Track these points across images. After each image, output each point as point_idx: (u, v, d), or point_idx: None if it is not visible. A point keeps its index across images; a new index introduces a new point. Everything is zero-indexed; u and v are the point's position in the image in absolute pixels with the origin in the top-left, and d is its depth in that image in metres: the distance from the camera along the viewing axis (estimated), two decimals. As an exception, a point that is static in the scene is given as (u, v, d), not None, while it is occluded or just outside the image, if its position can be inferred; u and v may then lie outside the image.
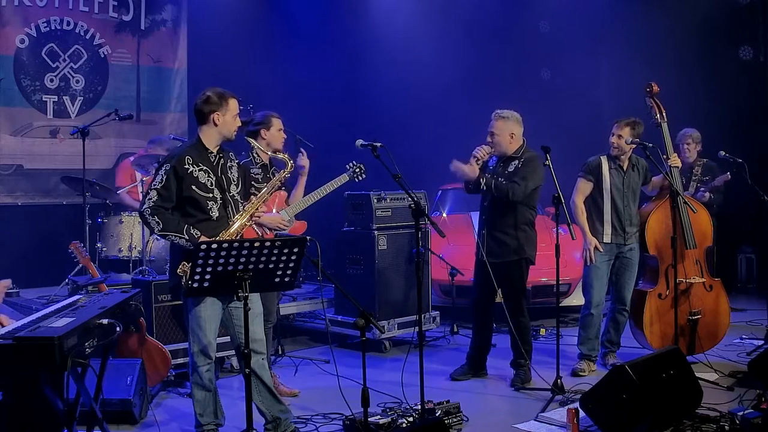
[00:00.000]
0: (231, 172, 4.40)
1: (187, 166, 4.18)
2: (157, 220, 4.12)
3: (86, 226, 7.30)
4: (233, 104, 4.31)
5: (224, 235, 4.26)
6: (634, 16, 9.87)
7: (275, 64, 9.80)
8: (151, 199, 4.14)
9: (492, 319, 5.73)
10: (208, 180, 4.25)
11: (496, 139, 5.53)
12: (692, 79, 9.18)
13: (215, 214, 4.28)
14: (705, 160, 7.26)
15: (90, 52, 9.05)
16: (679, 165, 5.98)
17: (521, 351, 5.59)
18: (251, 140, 4.97)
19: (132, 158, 8.39)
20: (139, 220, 7.46)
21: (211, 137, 4.30)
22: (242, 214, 4.38)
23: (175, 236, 4.14)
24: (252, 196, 4.63)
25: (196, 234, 4.16)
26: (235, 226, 4.32)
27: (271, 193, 4.70)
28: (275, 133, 5.19)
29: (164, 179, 4.15)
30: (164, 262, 6.84)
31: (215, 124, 4.26)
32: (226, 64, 9.27)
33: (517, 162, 5.53)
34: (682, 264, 5.76)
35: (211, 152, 4.32)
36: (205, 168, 4.25)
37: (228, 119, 4.28)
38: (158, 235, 4.21)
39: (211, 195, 4.26)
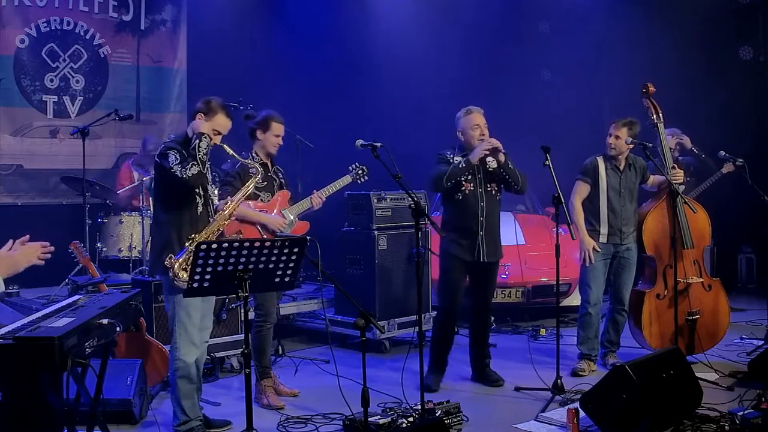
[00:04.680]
0: (210, 172, 4.50)
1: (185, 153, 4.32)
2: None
3: (86, 226, 7.30)
4: (220, 120, 4.40)
5: (207, 231, 4.35)
6: (634, 16, 9.86)
7: (275, 64, 9.80)
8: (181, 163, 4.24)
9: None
10: None
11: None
12: (692, 79, 9.17)
13: (200, 209, 4.39)
14: (680, 158, 7.19)
15: (90, 52, 9.05)
16: (680, 181, 5.96)
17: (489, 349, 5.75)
18: (219, 144, 4.70)
19: (131, 160, 8.42)
20: (139, 219, 7.54)
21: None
22: (220, 215, 4.45)
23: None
24: (228, 197, 4.67)
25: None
26: (214, 225, 4.41)
27: (245, 196, 4.70)
28: (271, 137, 5.11)
29: (178, 157, 4.28)
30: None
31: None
32: (226, 64, 9.28)
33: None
34: (680, 263, 5.76)
35: None
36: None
37: (205, 127, 4.37)
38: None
39: (197, 190, 4.37)
